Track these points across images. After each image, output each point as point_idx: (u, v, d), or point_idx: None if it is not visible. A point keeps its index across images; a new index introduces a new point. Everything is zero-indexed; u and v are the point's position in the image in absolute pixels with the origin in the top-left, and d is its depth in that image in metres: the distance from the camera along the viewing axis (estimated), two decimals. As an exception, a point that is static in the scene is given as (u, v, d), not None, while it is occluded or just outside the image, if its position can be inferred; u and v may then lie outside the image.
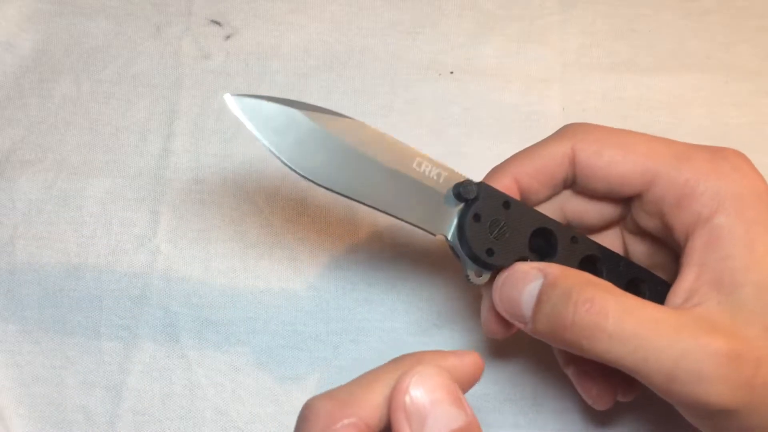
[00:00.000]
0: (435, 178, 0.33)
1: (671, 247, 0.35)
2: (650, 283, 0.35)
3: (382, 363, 0.41)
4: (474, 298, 0.42)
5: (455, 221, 0.33)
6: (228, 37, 0.47)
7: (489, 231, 0.33)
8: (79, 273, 0.42)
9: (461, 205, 0.33)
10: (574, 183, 0.35)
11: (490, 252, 0.32)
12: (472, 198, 0.32)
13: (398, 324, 0.42)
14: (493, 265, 0.33)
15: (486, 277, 0.33)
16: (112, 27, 0.47)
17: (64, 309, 0.41)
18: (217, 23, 0.47)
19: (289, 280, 0.42)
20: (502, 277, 0.33)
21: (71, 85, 0.45)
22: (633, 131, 0.34)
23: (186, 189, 0.43)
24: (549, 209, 0.36)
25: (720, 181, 0.31)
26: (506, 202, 0.33)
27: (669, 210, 0.32)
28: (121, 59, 0.46)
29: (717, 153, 0.32)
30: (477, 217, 0.32)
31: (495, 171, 0.35)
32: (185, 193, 0.43)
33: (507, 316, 0.33)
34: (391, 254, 0.43)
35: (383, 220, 0.43)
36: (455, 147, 0.45)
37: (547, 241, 0.34)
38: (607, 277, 0.34)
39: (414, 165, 0.32)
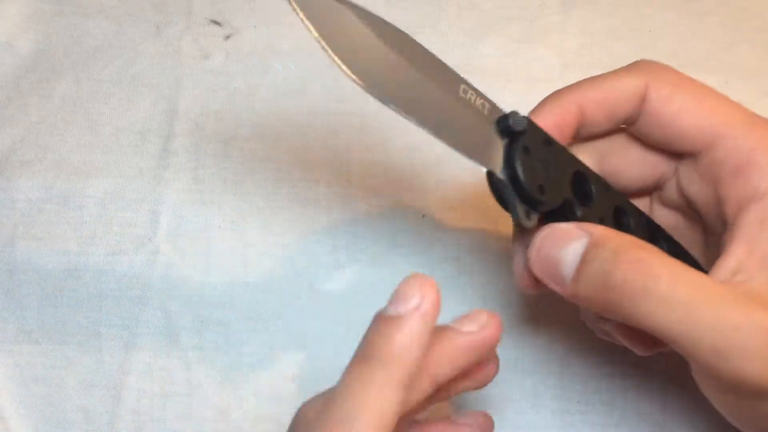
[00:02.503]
0: (480, 108, 0.30)
1: (707, 225, 0.34)
2: (669, 245, 0.34)
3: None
4: (476, 300, 0.42)
5: (501, 156, 0.30)
6: (228, 37, 0.47)
7: (539, 166, 0.30)
8: (79, 273, 0.42)
9: (505, 140, 0.30)
10: (634, 124, 0.33)
11: (541, 189, 0.30)
12: (520, 131, 0.30)
13: (398, 324, 0.42)
14: (543, 203, 0.30)
15: (534, 219, 0.30)
16: (112, 27, 0.47)
17: (64, 309, 0.41)
18: (217, 23, 0.47)
19: (289, 280, 0.42)
20: (540, 236, 0.30)
21: (71, 85, 0.45)
22: (708, 86, 0.32)
23: (186, 189, 0.43)
24: (585, 161, 0.34)
25: None
26: (547, 140, 0.31)
27: (725, 177, 0.31)
28: (121, 59, 0.46)
29: None
30: (527, 151, 0.30)
31: (557, 95, 0.32)
32: (185, 193, 0.43)
33: (543, 277, 0.30)
34: (393, 255, 0.43)
35: (382, 221, 0.43)
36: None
37: (581, 187, 0.32)
38: (634, 231, 0.33)
39: (460, 91, 0.30)
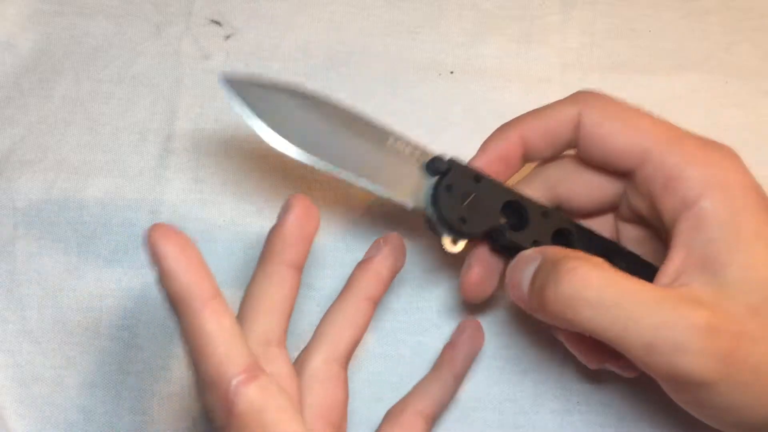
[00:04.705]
0: (409, 155, 0.36)
1: (661, 234, 0.35)
2: (622, 256, 0.36)
3: (383, 363, 0.41)
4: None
5: (430, 194, 0.35)
6: (228, 37, 0.47)
7: (461, 200, 0.35)
8: (79, 273, 0.42)
9: (435, 180, 0.35)
10: (577, 147, 0.36)
11: (462, 220, 0.35)
12: (444, 170, 0.35)
13: (398, 324, 0.42)
14: (466, 232, 0.35)
15: (461, 245, 0.35)
16: (112, 27, 0.47)
17: (64, 309, 0.41)
18: (217, 23, 0.47)
19: (289, 280, 0.42)
20: (511, 264, 0.34)
21: (71, 85, 0.45)
22: (640, 109, 0.34)
23: (186, 189, 0.43)
24: (540, 190, 0.37)
25: (708, 169, 0.32)
26: (477, 176, 0.35)
27: (657, 192, 0.33)
28: (121, 59, 0.46)
29: (709, 143, 0.33)
30: (449, 188, 0.35)
31: (503, 128, 0.36)
32: (185, 193, 0.43)
33: (514, 299, 0.34)
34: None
35: (382, 221, 0.43)
36: (455, 147, 0.45)
37: (519, 215, 0.36)
38: (579, 249, 0.35)
39: (389, 143, 0.35)
